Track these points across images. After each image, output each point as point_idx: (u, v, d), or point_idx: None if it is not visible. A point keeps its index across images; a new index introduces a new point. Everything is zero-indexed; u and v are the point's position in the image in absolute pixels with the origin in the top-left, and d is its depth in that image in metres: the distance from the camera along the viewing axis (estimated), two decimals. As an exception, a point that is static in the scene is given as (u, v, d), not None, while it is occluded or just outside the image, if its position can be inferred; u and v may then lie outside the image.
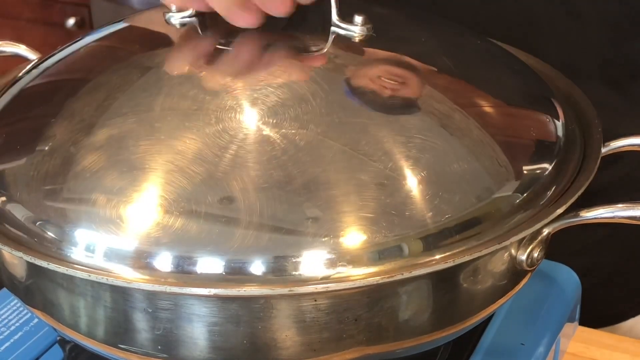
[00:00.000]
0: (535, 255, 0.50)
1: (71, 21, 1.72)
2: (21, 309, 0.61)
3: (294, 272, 0.44)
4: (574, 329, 0.66)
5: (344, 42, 0.54)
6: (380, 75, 0.52)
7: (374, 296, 0.46)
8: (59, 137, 0.49)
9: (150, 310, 0.46)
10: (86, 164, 0.48)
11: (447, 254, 0.45)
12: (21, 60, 0.61)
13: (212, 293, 0.43)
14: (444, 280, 0.48)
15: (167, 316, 0.46)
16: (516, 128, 0.53)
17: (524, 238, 0.49)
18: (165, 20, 0.56)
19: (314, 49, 0.53)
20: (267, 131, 0.48)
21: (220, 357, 0.47)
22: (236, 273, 0.44)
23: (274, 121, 0.48)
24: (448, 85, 0.53)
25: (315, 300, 0.45)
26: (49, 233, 0.46)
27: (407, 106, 0.51)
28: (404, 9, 0.61)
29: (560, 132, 0.53)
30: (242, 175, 0.46)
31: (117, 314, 0.47)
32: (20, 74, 0.57)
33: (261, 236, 0.44)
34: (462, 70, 0.55)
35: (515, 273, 0.51)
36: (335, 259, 0.44)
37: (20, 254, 0.46)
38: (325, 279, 0.44)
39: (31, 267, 0.49)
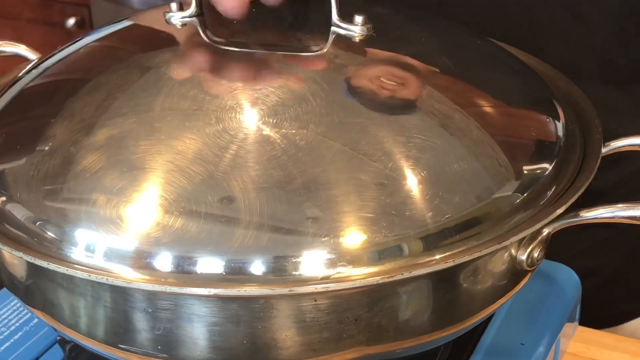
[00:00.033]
0: (536, 255, 0.50)
1: (71, 21, 1.72)
2: (21, 309, 0.61)
3: (294, 272, 0.44)
4: (574, 329, 0.66)
5: (344, 42, 0.54)
6: (380, 75, 0.52)
7: (374, 296, 0.46)
8: (59, 137, 0.49)
9: (150, 310, 0.46)
10: (86, 164, 0.48)
11: (447, 254, 0.45)
12: (21, 60, 0.61)
13: (212, 293, 0.43)
14: (444, 280, 0.48)
15: (167, 316, 0.46)
16: (516, 128, 0.53)
17: (524, 238, 0.49)
18: (166, 20, 0.56)
19: (314, 48, 0.53)
20: (267, 131, 0.48)
21: (220, 357, 0.47)
22: (236, 273, 0.44)
23: (274, 121, 0.48)
24: (448, 85, 0.53)
25: (315, 300, 0.45)
26: (49, 233, 0.46)
27: (407, 106, 0.51)
28: (404, 9, 0.61)
29: (560, 132, 0.53)
30: (242, 175, 0.46)
31: (117, 314, 0.47)
32: (20, 74, 0.57)
33: (261, 236, 0.44)
34: (462, 71, 0.55)
35: (515, 273, 0.51)
36: (335, 259, 0.44)
37: (20, 254, 0.46)
38: (325, 279, 0.44)
39: (31, 267, 0.49)
